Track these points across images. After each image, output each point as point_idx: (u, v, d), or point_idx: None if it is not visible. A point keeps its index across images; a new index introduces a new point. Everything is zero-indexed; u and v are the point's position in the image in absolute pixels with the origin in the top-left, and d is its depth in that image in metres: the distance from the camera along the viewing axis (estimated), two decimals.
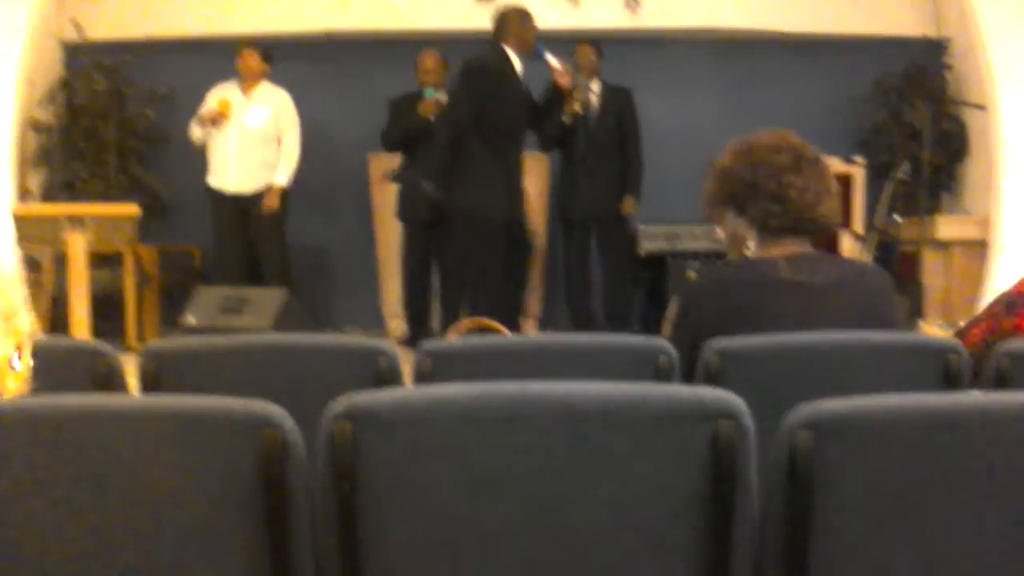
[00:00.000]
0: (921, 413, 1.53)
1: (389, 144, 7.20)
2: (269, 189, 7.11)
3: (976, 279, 7.19)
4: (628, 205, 7.17)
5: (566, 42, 7.38)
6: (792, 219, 2.49)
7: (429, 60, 7.12)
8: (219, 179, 7.15)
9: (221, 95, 7.11)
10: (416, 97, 7.05)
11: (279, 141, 7.17)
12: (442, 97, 6.95)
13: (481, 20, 7.65)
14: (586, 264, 7.37)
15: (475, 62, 6.21)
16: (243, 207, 7.09)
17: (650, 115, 7.46)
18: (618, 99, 7.28)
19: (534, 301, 7.41)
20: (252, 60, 7.10)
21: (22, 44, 6.96)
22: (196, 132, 7.15)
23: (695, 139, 7.83)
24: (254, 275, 7.08)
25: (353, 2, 7.92)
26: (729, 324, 2.35)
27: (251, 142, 7.10)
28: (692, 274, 6.95)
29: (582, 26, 7.83)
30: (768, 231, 2.52)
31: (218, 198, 7.14)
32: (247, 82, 7.15)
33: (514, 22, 6.26)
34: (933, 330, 6.03)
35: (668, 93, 7.87)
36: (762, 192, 2.49)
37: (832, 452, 1.50)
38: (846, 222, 7.39)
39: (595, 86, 7.25)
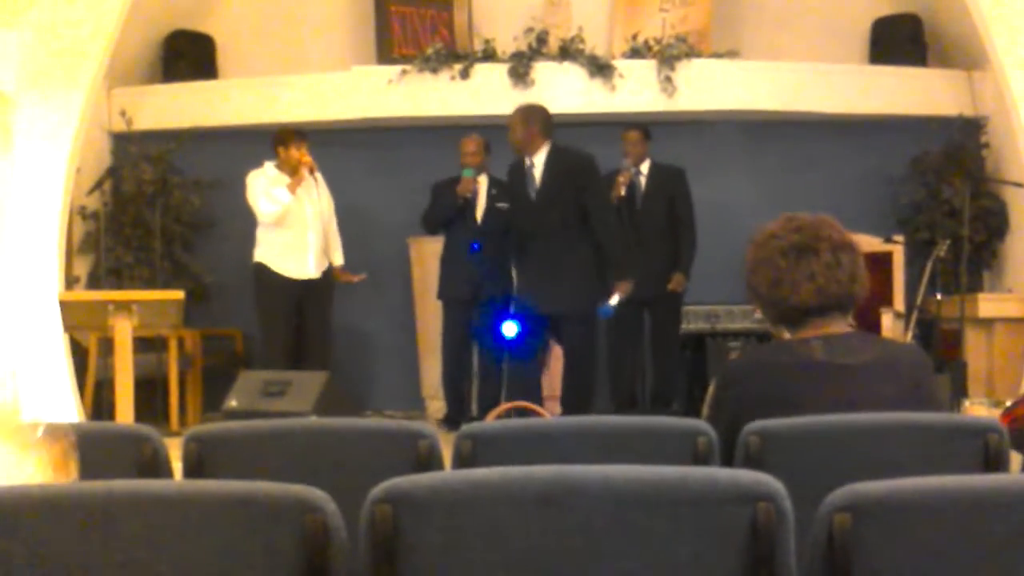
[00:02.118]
0: (961, 494, 1.53)
1: (427, 225, 7.29)
2: (339, 269, 7.24)
3: (1020, 357, 7.12)
4: (675, 282, 7.11)
5: (604, 126, 7.48)
6: (771, 312, 2.53)
7: (470, 144, 7.23)
8: (295, 265, 7.02)
9: (266, 171, 7.12)
10: (456, 181, 7.16)
11: None
12: (481, 178, 7.11)
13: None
14: (636, 344, 7.31)
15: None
16: (301, 291, 7.04)
17: None
18: (670, 179, 7.28)
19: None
20: (307, 151, 7.10)
21: (72, 134, 7.12)
22: (279, 208, 6.96)
23: (734, 220, 7.86)
24: (297, 357, 7.10)
25: (392, 90, 8.05)
26: (765, 406, 2.35)
27: (323, 227, 7.14)
28: (733, 355, 6.92)
29: (620, 110, 7.92)
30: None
31: (282, 283, 6.98)
32: (301, 172, 7.04)
33: None
34: (977, 409, 5.97)
35: (706, 174, 7.91)
36: (748, 288, 2.54)
37: (871, 534, 1.50)
38: (887, 301, 7.36)
39: (644, 168, 7.28)
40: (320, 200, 7.13)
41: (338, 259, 7.29)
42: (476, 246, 6.86)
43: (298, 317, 7.08)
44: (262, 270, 7.05)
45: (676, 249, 7.18)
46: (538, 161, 6.33)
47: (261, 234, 7.09)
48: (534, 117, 6.39)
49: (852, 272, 2.49)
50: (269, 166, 7.09)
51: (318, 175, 7.18)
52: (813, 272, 2.45)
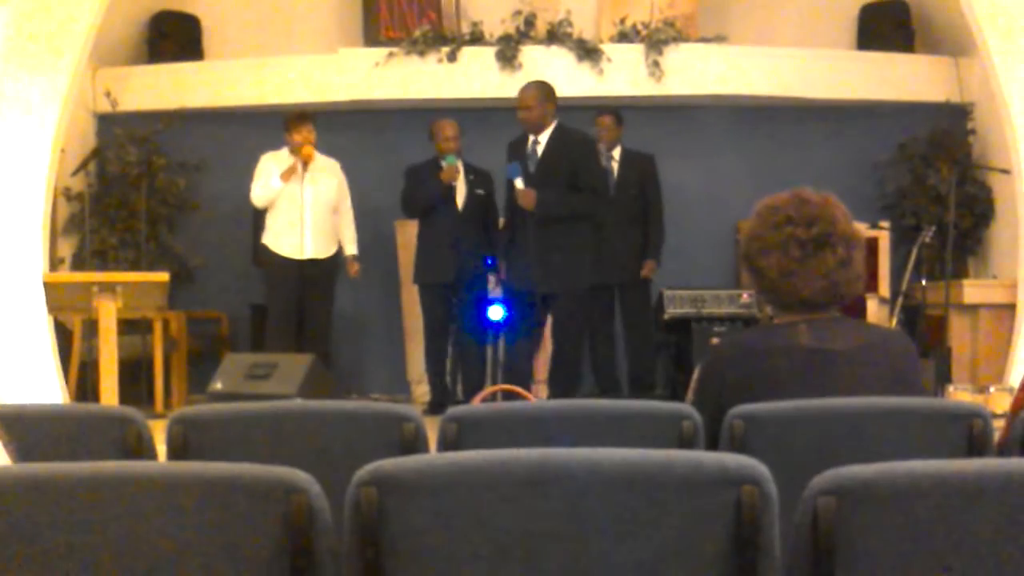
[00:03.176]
0: (944, 479, 1.53)
1: (410, 209, 7.27)
2: (350, 260, 7.25)
3: (1004, 343, 7.15)
4: (648, 269, 7.21)
5: (591, 110, 7.47)
6: (773, 297, 2.52)
7: (450, 128, 7.18)
8: (290, 245, 7.06)
9: (281, 155, 7.10)
10: (434, 164, 7.12)
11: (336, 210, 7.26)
12: (460, 163, 7.08)
13: (507, 89, 7.78)
14: (611, 329, 7.37)
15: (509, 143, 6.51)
16: (303, 272, 7.06)
17: (675, 181, 7.49)
18: (640, 165, 7.32)
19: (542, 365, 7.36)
20: (312, 133, 7.08)
21: (57, 115, 7.08)
22: (268, 193, 7.03)
23: (720, 205, 7.90)
24: (297, 339, 7.10)
25: (379, 73, 8.02)
26: (750, 390, 2.35)
27: (324, 210, 7.15)
28: (716, 339, 6.95)
29: (607, 94, 7.91)
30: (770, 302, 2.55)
31: (282, 263, 7.06)
32: (308, 153, 7.06)
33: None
34: (962, 395, 5.99)
35: (692, 159, 7.92)
36: (752, 268, 2.52)
37: (855, 518, 1.50)
38: (872, 286, 7.39)
39: (616, 153, 7.31)
40: (328, 185, 7.13)
41: (349, 248, 7.31)
42: (490, 262, 6.89)
43: (301, 298, 7.11)
44: (265, 251, 7.16)
45: (645, 235, 7.22)
46: (543, 139, 6.32)
47: (267, 217, 7.17)
48: (550, 95, 6.40)
49: (860, 269, 2.49)
50: (285, 150, 7.14)
51: (334, 162, 7.19)
52: (828, 269, 2.44)
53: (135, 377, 7.00)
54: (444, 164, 7.04)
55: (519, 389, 5.07)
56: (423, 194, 7.12)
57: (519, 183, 6.17)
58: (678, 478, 1.52)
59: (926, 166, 7.97)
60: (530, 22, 8.12)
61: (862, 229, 2.63)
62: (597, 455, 1.53)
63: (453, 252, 6.97)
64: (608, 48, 8.01)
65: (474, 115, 7.42)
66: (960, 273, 7.76)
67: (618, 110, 7.41)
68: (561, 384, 6.28)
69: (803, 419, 2.24)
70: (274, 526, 1.48)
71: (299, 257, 7.06)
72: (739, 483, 1.49)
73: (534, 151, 6.33)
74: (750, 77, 8.01)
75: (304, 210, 7.05)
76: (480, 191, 7.08)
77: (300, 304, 7.12)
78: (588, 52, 7.98)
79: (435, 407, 6.92)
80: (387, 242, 7.96)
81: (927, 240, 7.12)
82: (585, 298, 6.46)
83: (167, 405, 7.13)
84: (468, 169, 7.16)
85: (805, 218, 2.45)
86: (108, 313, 5.79)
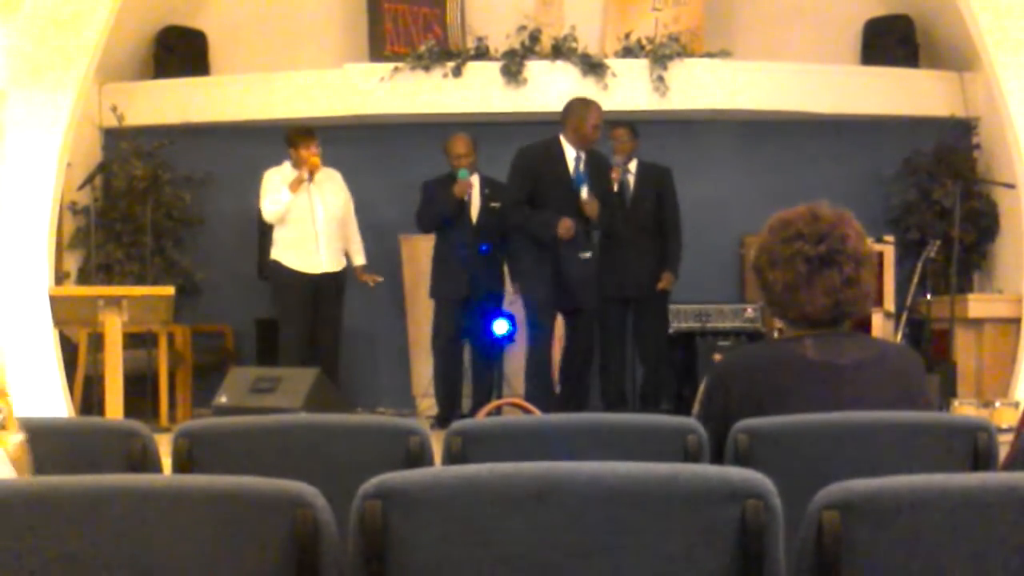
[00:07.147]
0: (950, 493, 1.53)
1: (423, 224, 7.25)
2: (360, 269, 7.27)
3: (1009, 358, 7.14)
4: (666, 281, 7.15)
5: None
6: (778, 311, 2.52)
7: (460, 144, 7.15)
8: (305, 260, 7.00)
9: (284, 169, 7.07)
10: (450, 179, 7.12)
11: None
12: (473, 177, 7.07)
13: (512, 104, 7.79)
14: (623, 343, 7.32)
15: (523, 148, 6.52)
16: (315, 286, 7.01)
17: (679, 195, 7.48)
18: (656, 177, 7.29)
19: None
20: (319, 148, 7.03)
21: (63, 130, 7.10)
22: (279, 207, 6.95)
23: (724, 220, 7.90)
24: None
25: (384, 87, 8.03)
26: (756, 404, 2.35)
27: (335, 223, 7.12)
28: (717, 355, 6.93)
29: (612, 109, 7.90)
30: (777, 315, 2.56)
31: (297, 278, 6.98)
32: (302, 172, 7.02)
33: (572, 116, 6.48)
34: (966, 409, 5.99)
35: (697, 174, 7.91)
36: (760, 280, 2.53)
37: (860, 532, 1.50)
38: (877, 301, 7.38)
39: (632, 166, 7.30)
40: (336, 197, 7.12)
41: (359, 259, 7.30)
42: (485, 248, 6.93)
43: (314, 314, 7.05)
44: (277, 267, 7.07)
45: (662, 248, 7.20)
46: (582, 155, 6.49)
47: (276, 232, 7.10)
48: None
49: (868, 289, 2.50)
50: (287, 164, 7.08)
51: (336, 172, 7.19)
52: (833, 288, 2.44)
53: (140, 391, 6.99)
54: (458, 178, 7.03)
55: (524, 403, 5.08)
56: (435, 210, 7.12)
57: (584, 192, 6.36)
58: (683, 492, 1.52)
59: (931, 181, 7.96)
60: (535, 37, 8.14)
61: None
62: (602, 469, 1.53)
63: (468, 267, 6.97)
64: (613, 63, 8.02)
65: (479, 130, 7.42)
66: (965, 287, 7.74)
67: (633, 123, 7.41)
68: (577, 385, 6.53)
69: (808, 433, 2.24)
70: (280, 539, 1.48)
71: (315, 272, 7.00)
72: (744, 497, 1.49)
73: (577, 165, 6.43)
74: (754, 92, 8.02)
75: (316, 224, 7.02)
76: (495, 204, 7.06)
77: (312, 319, 7.06)
78: (593, 67, 7.99)
79: (441, 421, 6.91)
80: (392, 257, 7.97)
81: (932, 255, 7.12)
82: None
83: (172, 419, 7.13)
84: (484, 182, 7.16)
85: (815, 235, 2.45)
86: (113, 327, 5.79)
